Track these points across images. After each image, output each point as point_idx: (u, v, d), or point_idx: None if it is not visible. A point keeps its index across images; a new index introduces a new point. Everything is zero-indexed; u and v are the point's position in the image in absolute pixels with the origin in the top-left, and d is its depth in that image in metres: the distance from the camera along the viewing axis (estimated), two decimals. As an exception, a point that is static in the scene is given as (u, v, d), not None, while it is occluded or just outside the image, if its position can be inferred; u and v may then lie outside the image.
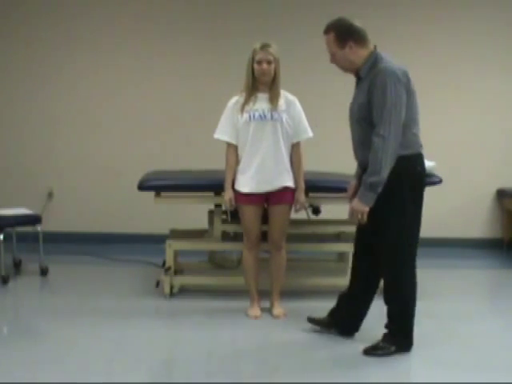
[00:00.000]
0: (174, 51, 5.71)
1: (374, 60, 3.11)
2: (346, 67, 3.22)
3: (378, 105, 3.02)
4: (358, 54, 3.14)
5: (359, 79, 3.21)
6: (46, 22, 5.65)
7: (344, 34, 3.13)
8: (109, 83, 5.73)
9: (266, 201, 3.77)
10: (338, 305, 3.55)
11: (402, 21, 5.72)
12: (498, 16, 5.73)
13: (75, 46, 5.68)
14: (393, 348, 3.26)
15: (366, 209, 3.09)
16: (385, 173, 3.02)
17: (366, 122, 3.11)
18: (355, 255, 3.50)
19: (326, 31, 3.18)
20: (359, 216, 3.11)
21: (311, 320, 3.62)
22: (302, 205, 3.82)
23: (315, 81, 5.65)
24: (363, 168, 3.21)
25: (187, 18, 5.68)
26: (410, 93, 3.08)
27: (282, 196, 3.74)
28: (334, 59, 3.22)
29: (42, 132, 5.77)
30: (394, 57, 3.19)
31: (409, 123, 3.10)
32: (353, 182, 3.42)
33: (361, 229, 3.37)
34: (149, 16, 5.67)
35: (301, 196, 3.80)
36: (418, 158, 3.19)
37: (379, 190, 3.05)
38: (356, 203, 3.11)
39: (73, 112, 5.75)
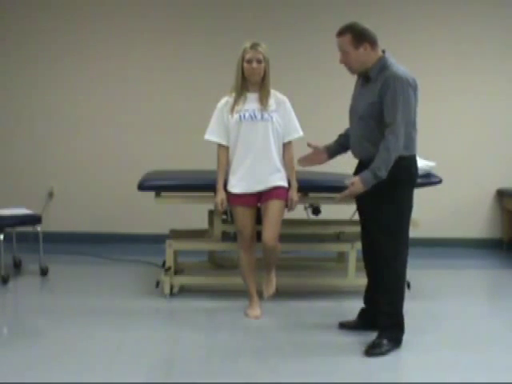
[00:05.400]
0: (175, 51, 5.71)
1: (384, 63, 3.22)
2: (355, 68, 3.30)
3: (391, 106, 3.13)
4: (370, 56, 3.24)
5: (367, 80, 3.29)
6: (44, 23, 5.64)
7: (361, 35, 3.22)
8: (108, 83, 5.72)
9: (259, 200, 3.77)
10: (365, 304, 3.64)
11: (401, 21, 5.72)
12: (499, 14, 5.72)
13: (76, 48, 5.67)
14: (391, 343, 3.31)
15: (363, 190, 3.21)
16: (389, 167, 3.16)
17: (374, 120, 3.22)
18: (363, 252, 3.59)
19: (342, 33, 3.25)
20: (354, 193, 3.24)
21: (343, 325, 3.66)
22: (295, 203, 3.81)
23: (316, 80, 5.66)
24: (365, 163, 3.31)
25: (188, 17, 5.68)
26: (416, 98, 3.22)
27: (274, 192, 3.72)
28: (345, 59, 3.28)
29: (41, 132, 5.76)
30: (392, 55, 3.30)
31: (411, 127, 3.23)
32: (318, 148, 3.63)
33: (365, 227, 3.49)
34: (148, 15, 5.67)
35: (294, 195, 3.80)
36: (414, 160, 3.31)
37: (380, 180, 3.17)
38: (357, 182, 3.21)
39: (73, 112, 5.74)
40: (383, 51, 3.28)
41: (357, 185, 3.21)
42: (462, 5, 5.71)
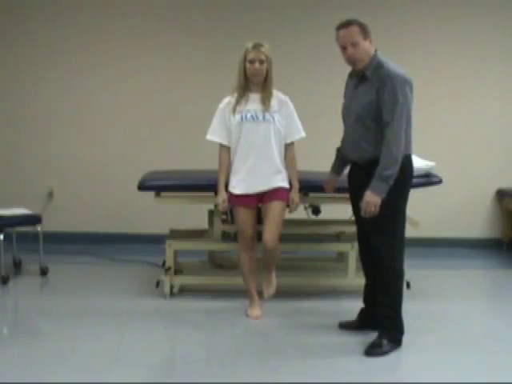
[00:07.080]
0: (175, 51, 5.70)
1: (378, 61, 3.20)
2: (362, 59, 3.21)
3: (389, 104, 3.11)
4: (372, 51, 3.23)
5: (361, 79, 3.26)
6: (45, 24, 5.64)
7: (366, 27, 3.22)
8: (108, 83, 5.72)
9: (260, 201, 3.77)
10: (365, 304, 3.64)
11: (400, 20, 5.72)
12: (499, 14, 5.71)
13: (76, 46, 5.67)
14: (391, 343, 3.31)
15: (379, 200, 3.15)
16: (398, 166, 3.13)
17: (372, 120, 3.19)
18: (360, 253, 3.60)
19: (349, 24, 3.19)
20: (372, 208, 3.16)
21: (343, 325, 3.67)
22: (297, 205, 3.81)
23: (315, 80, 5.65)
24: (361, 165, 3.31)
25: (187, 17, 5.68)
26: (411, 96, 3.20)
27: (275, 194, 3.72)
28: (354, 51, 3.19)
29: (41, 132, 5.76)
30: (393, 56, 3.29)
31: (408, 126, 3.21)
32: (330, 177, 3.70)
33: (361, 228, 3.47)
34: (148, 17, 5.67)
35: (295, 196, 3.79)
36: (410, 160, 3.30)
37: (391, 182, 3.13)
38: (369, 196, 3.15)
39: (73, 112, 5.74)
40: (375, 50, 3.25)
41: (370, 198, 3.14)
42: (463, 6, 5.70)
